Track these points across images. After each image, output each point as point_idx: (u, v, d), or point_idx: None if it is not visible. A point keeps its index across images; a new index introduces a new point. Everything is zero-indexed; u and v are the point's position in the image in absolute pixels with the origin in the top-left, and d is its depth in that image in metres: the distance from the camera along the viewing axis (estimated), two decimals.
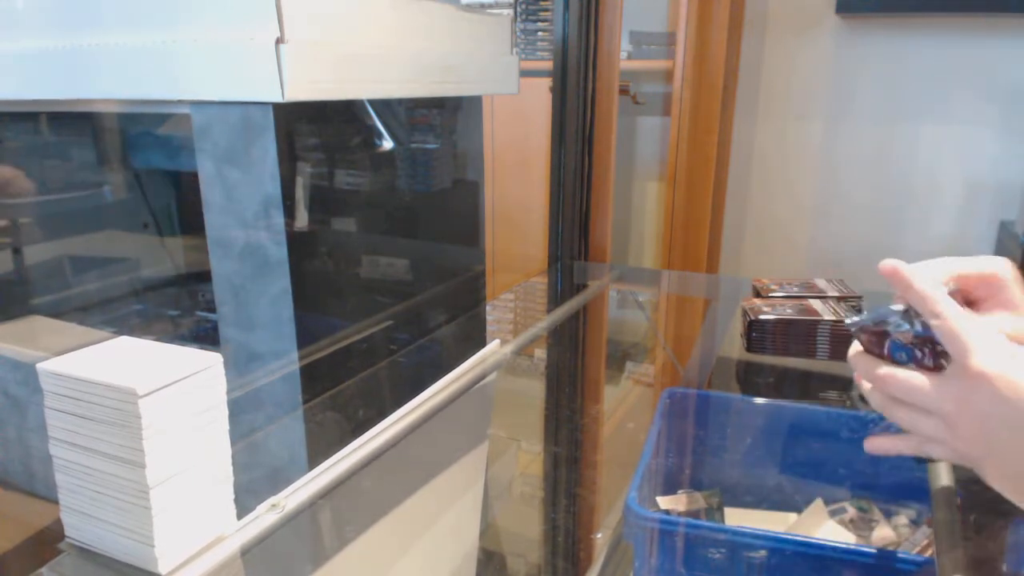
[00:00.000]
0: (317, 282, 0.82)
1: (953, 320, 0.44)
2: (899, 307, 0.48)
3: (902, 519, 0.74)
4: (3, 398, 0.84)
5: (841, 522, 0.73)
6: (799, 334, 1.06)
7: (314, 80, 0.71)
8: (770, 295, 1.17)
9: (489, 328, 1.20)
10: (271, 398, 0.81)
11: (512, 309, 1.40)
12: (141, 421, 0.52)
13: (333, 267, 0.85)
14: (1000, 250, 1.85)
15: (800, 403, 0.83)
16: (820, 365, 1.06)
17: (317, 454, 0.76)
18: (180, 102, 0.75)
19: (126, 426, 0.53)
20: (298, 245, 0.76)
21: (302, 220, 0.78)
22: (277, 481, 0.71)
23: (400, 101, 0.96)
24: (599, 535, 0.77)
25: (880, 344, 0.49)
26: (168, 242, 1.16)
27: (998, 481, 0.45)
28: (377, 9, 0.80)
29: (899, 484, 0.77)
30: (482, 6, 2.11)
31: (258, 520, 0.65)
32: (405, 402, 0.87)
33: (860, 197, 2.12)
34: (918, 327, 0.46)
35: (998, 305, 0.48)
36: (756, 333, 1.07)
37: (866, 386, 0.52)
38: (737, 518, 0.79)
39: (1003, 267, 0.49)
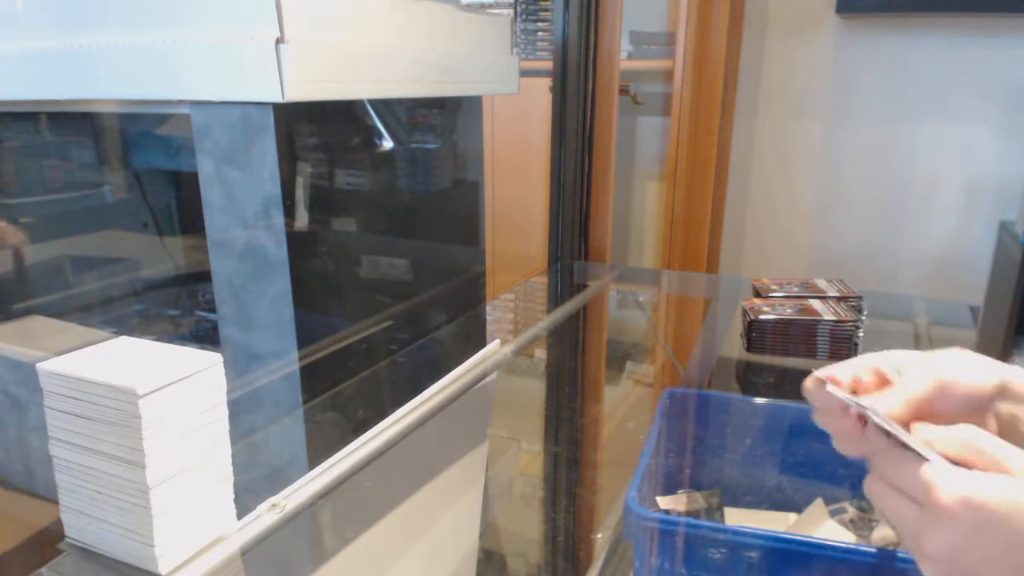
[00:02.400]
0: (317, 282, 0.82)
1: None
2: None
3: None
4: (3, 398, 0.84)
5: (841, 522, 0.73)
6: (799, 334, 1.06)
7: (314, 80, 0.71)
8: (770, 295, 1.17)
9: (489, 328, 1.20)
10: (271, 398, 0.81)
11: (512, 309, 1.39)
12: (141, 421, 0.52)
13: (333, 267, 0.85)
14: (1000, 250, 1.85)
15: (800, 403, 0.83)
16: (820, 365, 1.06)
17: (317, 454, 0.76)
18: (180, 102, 0.75)
19: (126, 426, 0.53)
20: (298, 245, 0.76)
21: (302, 220, 0.78)
22: (277, 481, 0.70)
23: (400, 101, 0.96)
24: (599, 535, 0.77)
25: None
26: (168, 242, 1.16)
27: None
28: (377, 9, 0.80)
29: None
30: (482, 6, 2.11)
31: (258, 520, 0.65)
32: (405, 402, 0.87)
33: (860, 197, 2.12)
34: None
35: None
36: (756, 333, 1.07)
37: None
38: (737, 518, 0.79)
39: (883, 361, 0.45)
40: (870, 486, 0.42)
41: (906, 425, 0.42)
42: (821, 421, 0.47)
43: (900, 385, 0.44)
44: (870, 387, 0.46)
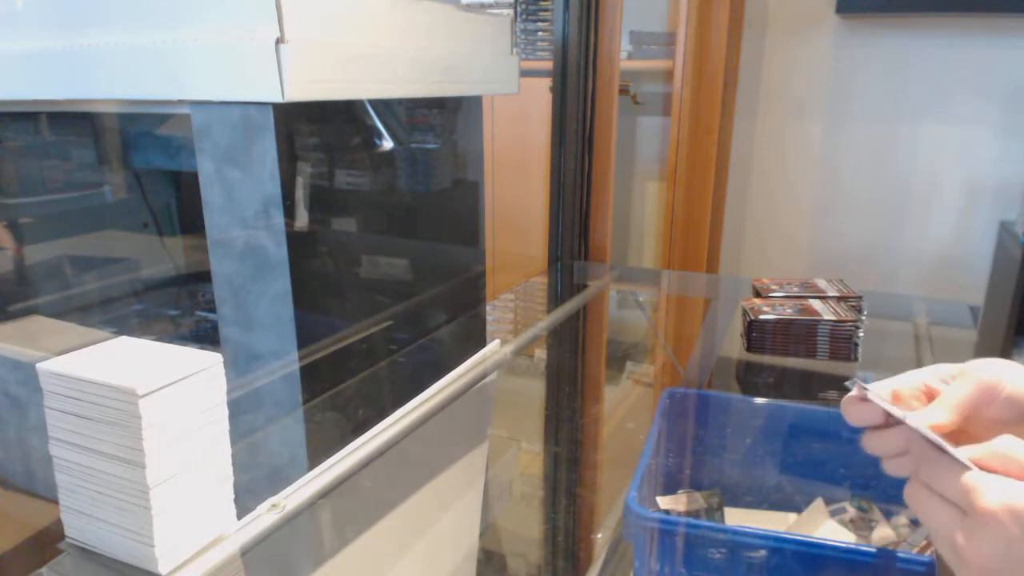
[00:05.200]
0: (317, 282, 0.82)
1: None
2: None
3: (902, 519, 0.74)
4: (3, 398, 0.84)
5: (841, 522, 0.73)
6: (799, 334, 1.06)
7: (314, 80, 0.71)
8: (770, 295, 1.17)
9: (489, 328, 1.20)
10: (271, 398, 0.81)
11: (512, 309, 1.39)
12: (141, 421, 0.52)
13: (333, 267, 0.85)
14: (1000, 250, 1.85)
15: (800, 403, 0.83)
16: (820, 365, 1.06)
17: (317, 454, 0.76)
18: (180, 102, 0.75)
19: (126, 426, 0.53)
20: (298, 245, 0.76)
21: (302, 220, 0.78)
22: (277, 481, 0.71)
23: (400, 101, 0.96)
24: (599, 535, 0.77)
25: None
26: (168, 242, 1.16)
27: None
28: (377, 9, 0.80)
29: (899, 484, 0.76)
30: (482, 6, 2.11)
31: (258, 520, 0.65)
32: (405, 402, 0.87)
33: (860, 197, 2.12)
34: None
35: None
36: (756, 333, 1.07)
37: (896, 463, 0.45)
38: (737, 518, 0.79)
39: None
40: (910, 492, 0.42)
41: (954, 435, 0.42)
42: (869, 444, 0.46)
43: (944, 393, 0.44)
44: (917, 405, 0.45)
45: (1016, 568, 0.35)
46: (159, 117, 0.98)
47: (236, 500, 0.62)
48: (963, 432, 0.43)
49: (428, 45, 0.90)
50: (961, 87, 1.94)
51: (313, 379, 0.81)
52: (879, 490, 0.77)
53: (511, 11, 2.10)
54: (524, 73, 1.20)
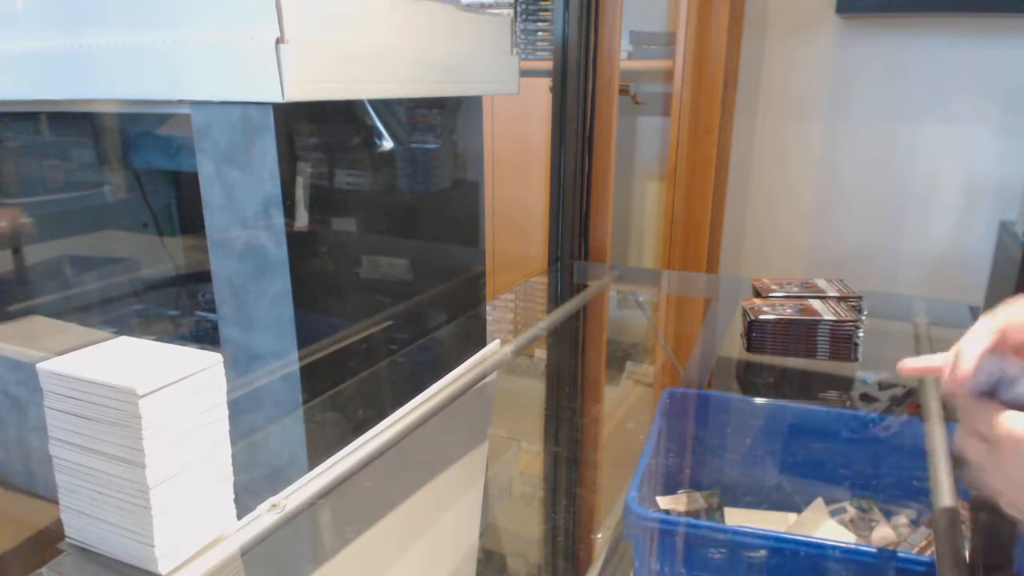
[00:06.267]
0: (317, 282, 0.82)
1: None
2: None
3: (902, 519, 0.74)
4: (3, 398, 0.84)
5: (841, 522, 0.73)
6: (799, 334, 1.06)
7: (314, 80, 0.71)
8: (770, 295, 1.17)
9: (489, 328, 1.20)
10: (271, 398, 0.81)
11: (512, 309, 1.39)
12: (141, 421, 0.52)
13: (333, 267, 0.85)
14: (1000, 250, 1.85)
15: (800, 403, 0.83)
16: (820, 365, 1.06)
17: (317, 454, 0.76)
18: (180, 102, 0.75)
19: (126, 426, 0.53)
20: (298, 245, 0.76)
21: (302, 220, 0.78)
22: (277, 481, 0.70)
23: (400, 101, 0.96)
24: (599, 535, 0.77)
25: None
26: (168, 242, 1.16)
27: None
28: (377, 9, 0.80)
29: (899, 484, 0.77)
30: (482, 6, 2.11)
31: (258, 520, 0.65)
32: (405, 402, 0.87)
33: (860, 197, 2.12)
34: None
35: None
36: (756, 333, 1.07)
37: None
38: (737, 518, 0.79)
39: None
40: (957, 437, 0.49)
41: None
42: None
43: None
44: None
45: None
46: (159, 117, 0.98)
47: (236, 500, 0.62)
48: None
49: (428, 45, 0.90)
50: (961, 87, 1.94)
51: (313, 379, 0.81)
52: (879, 490, 0.77)
53: (511, 11, 2.10)
54: (524, 73, 1.20)
